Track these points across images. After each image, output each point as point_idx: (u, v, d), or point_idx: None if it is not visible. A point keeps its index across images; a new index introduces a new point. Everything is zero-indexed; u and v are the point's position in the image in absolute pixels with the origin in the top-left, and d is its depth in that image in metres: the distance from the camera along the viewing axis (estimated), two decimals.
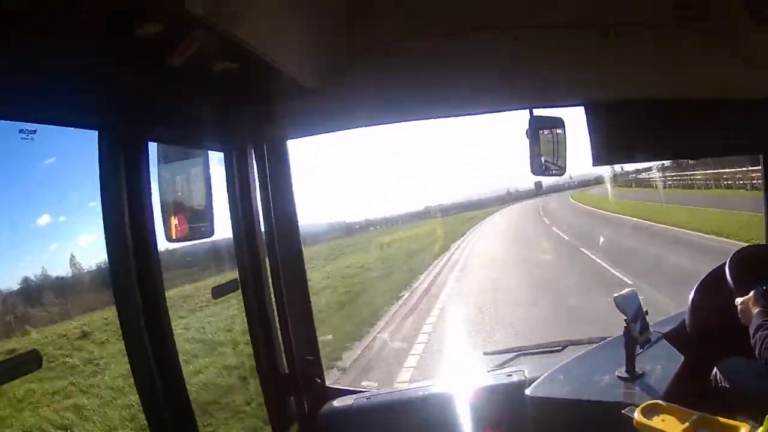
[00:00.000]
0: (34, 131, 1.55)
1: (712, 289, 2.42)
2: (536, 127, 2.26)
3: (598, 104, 2.45)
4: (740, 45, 2.10)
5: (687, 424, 1.75)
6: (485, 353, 2.87)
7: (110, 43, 1.40)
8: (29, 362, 1.32)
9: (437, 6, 1.99)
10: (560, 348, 2.70)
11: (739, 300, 2.10)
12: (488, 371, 2.65)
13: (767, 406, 1.90)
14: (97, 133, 1.51)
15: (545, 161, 2.27)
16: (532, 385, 2.30)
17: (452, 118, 2.68)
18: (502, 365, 2.67)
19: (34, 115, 1.36)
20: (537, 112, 2.31)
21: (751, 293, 2.05)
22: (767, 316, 1.93)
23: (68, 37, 1.29)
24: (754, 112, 2.51)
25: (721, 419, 1.74)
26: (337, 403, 2.49)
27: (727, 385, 2.23)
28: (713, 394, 2.23)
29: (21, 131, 1.54)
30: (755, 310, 1.98)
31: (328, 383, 2.59)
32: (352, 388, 2.65)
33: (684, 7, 2.04)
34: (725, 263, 2.37)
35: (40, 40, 1.22)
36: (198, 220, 2.01)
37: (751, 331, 1.95)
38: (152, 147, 1.70)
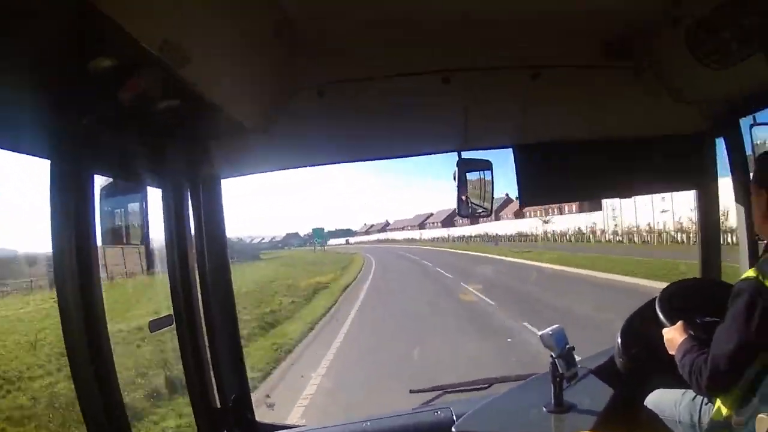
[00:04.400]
0: None
1: (640, 324, 2.69)
2: (464, 169, 2.58)
3: (527, 145, 2.77)
4: (675, 82, 2.42)
5: None
6: (411, 391, 3.05)
7: (66, 76, 1.63)
8: None
9: (369, 50, 2.25)
10: (486, 385, 2.92)
11: (666, 330, 2.40)
12: (415, 409, 2.86)
13: None
14: (49, 162, 1.72)
15: (472, 203, 2.59)
16: (459, 421, 2.53)
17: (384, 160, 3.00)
18: (428, 403, 2.89)
19: None
20: (466, 154, 2.63)
21: (678, 323, 2.35)
22: (694, 342, 2.20)
23: (26, 67, 1.51)
24: (686, 148, 2.87)
25: None
26: None
27: (660, 416, 2.47)
28: (645, 425, 2.49)
29: None
30: (681, 338, 2.26)
31: (257, 418, 2.81)
32: (282, 424, 2.94)
33: (613, 47, 2.35)
34: (654, 299, 2.64)
35: None
36: (135, 254, 2.24)
37: (678, 357, 2.21)
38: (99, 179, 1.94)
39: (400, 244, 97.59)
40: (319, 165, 2.95)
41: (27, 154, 1.74)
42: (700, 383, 2.08)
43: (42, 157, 1.73)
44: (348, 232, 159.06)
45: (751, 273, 2.06)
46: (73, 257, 1.74)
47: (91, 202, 1.81)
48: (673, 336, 2.32)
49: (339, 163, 2.97)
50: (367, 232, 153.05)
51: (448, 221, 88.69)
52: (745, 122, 2.75)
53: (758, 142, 2.74)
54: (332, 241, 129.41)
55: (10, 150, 1.71)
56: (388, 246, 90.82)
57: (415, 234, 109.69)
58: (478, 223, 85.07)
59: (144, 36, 1.39)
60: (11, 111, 1.55)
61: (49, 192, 1.73)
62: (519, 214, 75.06)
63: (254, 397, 2.99)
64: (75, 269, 1.75)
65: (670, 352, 2.31)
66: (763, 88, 2.35)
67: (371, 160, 3.00)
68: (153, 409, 8.23)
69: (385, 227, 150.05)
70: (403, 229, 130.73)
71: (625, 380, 2.67)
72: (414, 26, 2.12)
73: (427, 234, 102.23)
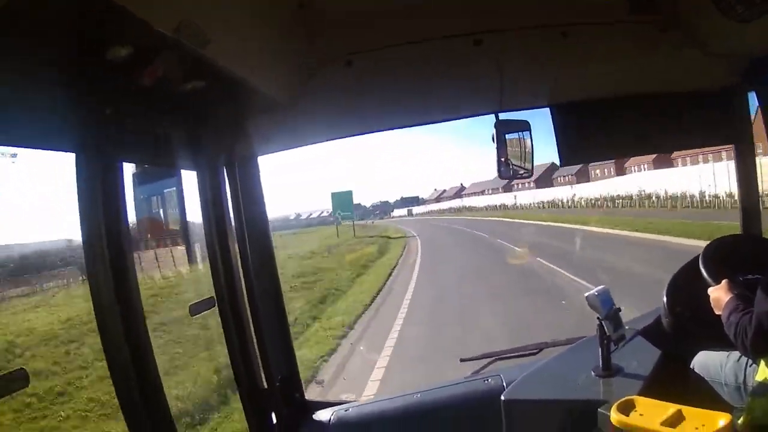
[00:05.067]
0: (16, 155, 1.92)
1: (685, 283, 2.69)
2: (502, 131, 2.58)
3: (563, 104, 2.80)
4: (702, 35, 2.37)
5: (665, 417, 1.89)
6: (462, 360, 3.14)
7: (83, 69, 1.64)
8: (17, 380, 1.59)
9: (396, 16, 2.20)
10: (536, 351, 2.99)
11: (711, 289, 2.36)
12: (466, 378, 2.93)
13: (746, 396, 2.21)
14: (74, 155, 1.74)
15: (513, 165, 2.59)
16: (508, 388, 2.57)
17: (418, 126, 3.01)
18: (479, 371, 2.95)
19: (14, 140, 1.63)
20: (503, 115, 2.64)
21: (723, 282, 2.31)
22: (739, 301, 2.16)
23: (43, 64, 1.52)
24: (719, 102, 2.86)
25: (701, 410, 1.90)
26: (317, 416, 2.82)
27: (706, 377, 2.45)
28: (692, 387, 2.47)
29: (2, 155, 1.90)
30: (727, 297, 2.22)
31: (307, 397, 2.91)
32: (331, 401, 2.98)
33: (639, 3, 2.30)
34: (698, 256, 2.64)
35: (16, 66, 1.44)
36: (173, 239, 2.33)
37: (724, 317, 2.19)
38: (129, 167, 1.98)
39: (481, 213, 72.67)
40: (354, 135, 3.00)
41: (52, 149, 1.79)
42: (745, 344, 2.05)
43: (68, 151, 1.76)
44: (415, 201, 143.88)
45: None
46: (104, 249, 1.77)
47: (120, 192, 1.83)
48: (719, 295, 2.28)
49: (375, 132, 3.05)
50: (437, 200, 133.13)
51: (545, 179, 76.84)
52: None
53: None
54: (396, 213, 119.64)
55: (36, 147, 1.77)
56: (460, 219, 63.57)
57: (505, 198, 78.11)
58: (604, 176, 64.87)
59: (158, 20, 1.40)
60: (33, 109, 1.58)
61: (77, 185, 1.76)
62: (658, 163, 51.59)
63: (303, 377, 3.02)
64: (108, 261, 1.77)
65: (716, 312, 2.27)
66: None
67: (406, 127, 3.03)
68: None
69: (459, 192, 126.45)
70: (482, 193, 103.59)
71: (672, 341, 2.67)
72: None
73: (525, 197, 70.61)
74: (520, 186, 74.69)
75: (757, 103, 2.83)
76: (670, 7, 2.29)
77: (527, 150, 2.63)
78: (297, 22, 2.13)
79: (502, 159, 2.57)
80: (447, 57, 2.41)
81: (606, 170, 69.88)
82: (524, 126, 2.64)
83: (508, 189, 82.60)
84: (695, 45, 2.42)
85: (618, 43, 2.46)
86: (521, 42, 2.39)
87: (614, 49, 2.49)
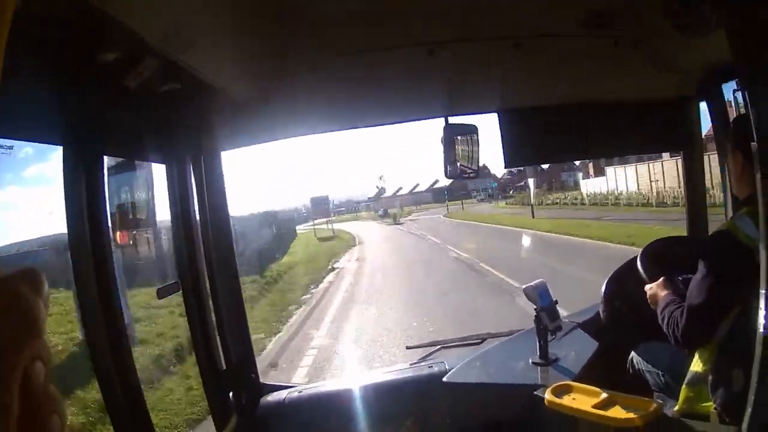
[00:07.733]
0: (11, 147, 2.12)
1: (623, 280, 2.99)
2: (451, 134, 2.86)
3: (510, 110, 3.07)
4: (656, 51, 2.59)
5: (597, 401, 2.12)
6: (408, 347, 3.51)
7: (74, 69, 1.80)
8: None
9: (357, 27, 2.36)
10: (479, 341, 3.31)
11: (648, 287, 2.62)
12: (411, 364, 3.24)
13: (680, 387, 2.44)
14: (62, 147, 1.94)
15: (460, 165, 2.88)
16: (449, 373, 2.87)
17: (374, 127, 3.31)
18: (424, 358, 3.28)
19: (7, 131, 1.81)
20: (452, 119, 2.90)
21: (660, 279, 2.56)
22: (674, 297, 2.39)
23: (38, 65, 1.66)
24: (669, 112, 3.14)
25: (633, 396, 2.11)
26: (271, 397, 3.09)
27: (644, 368, 2.72)
28: (628, 377, 2.76)
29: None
30: (663, 294, 2.47)
31: (261, 379, 3.16)
32: (284, 384, 3.26)
33: (594, 18, 2.45)
34: (636, 257, 2.92)
35: (14, 65, 1.73)
36: (142, 227, 2.57)
37: (658, 312, 2.40)
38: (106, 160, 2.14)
39: None
40: (314, 134, 3.33)
41: (42, 142, 2.03)
42: (676, 335, 2.24)
43: (56, 144, 1.95)
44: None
45: (725, 226, 2.21)
46: (87, 236, 1.97)
47: (102, 183, 2.03)
48: (656, 292, 2.53)
49: (333, 131, 3.33)
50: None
51: None
52: (728, 87, 2.94)
53: (742, 107, 2.81)
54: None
55: (30, 140, 2.02)
56: None
57: None
58: None
59: (146, 30, 1.57)
60: (26, 104, 1.72)
61: (63, 176, 1.94)
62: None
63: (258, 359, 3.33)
64: (90, 249, 1.97)
65: (652, 307, 2.50)
66: None
67: (363, 127, 3.29)
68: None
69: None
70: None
71: (611, 334, 2.95)
72: (399, 3, 2.28)
73: None
74: None
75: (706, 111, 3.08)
76: (625, 23, 2.46)
77: (474, 151, 2.89)
78: (267, 32, 2.29)
79: (450, 160, 2.83)
80: (403, 65, 2.63)
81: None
82: (472, 129, 2.89)
83: None
84: (649, 59, 2.65)
85: (571, 54, 2.65)
86: (473, 52, 2.59)
87: (567, 60, 2.70)
